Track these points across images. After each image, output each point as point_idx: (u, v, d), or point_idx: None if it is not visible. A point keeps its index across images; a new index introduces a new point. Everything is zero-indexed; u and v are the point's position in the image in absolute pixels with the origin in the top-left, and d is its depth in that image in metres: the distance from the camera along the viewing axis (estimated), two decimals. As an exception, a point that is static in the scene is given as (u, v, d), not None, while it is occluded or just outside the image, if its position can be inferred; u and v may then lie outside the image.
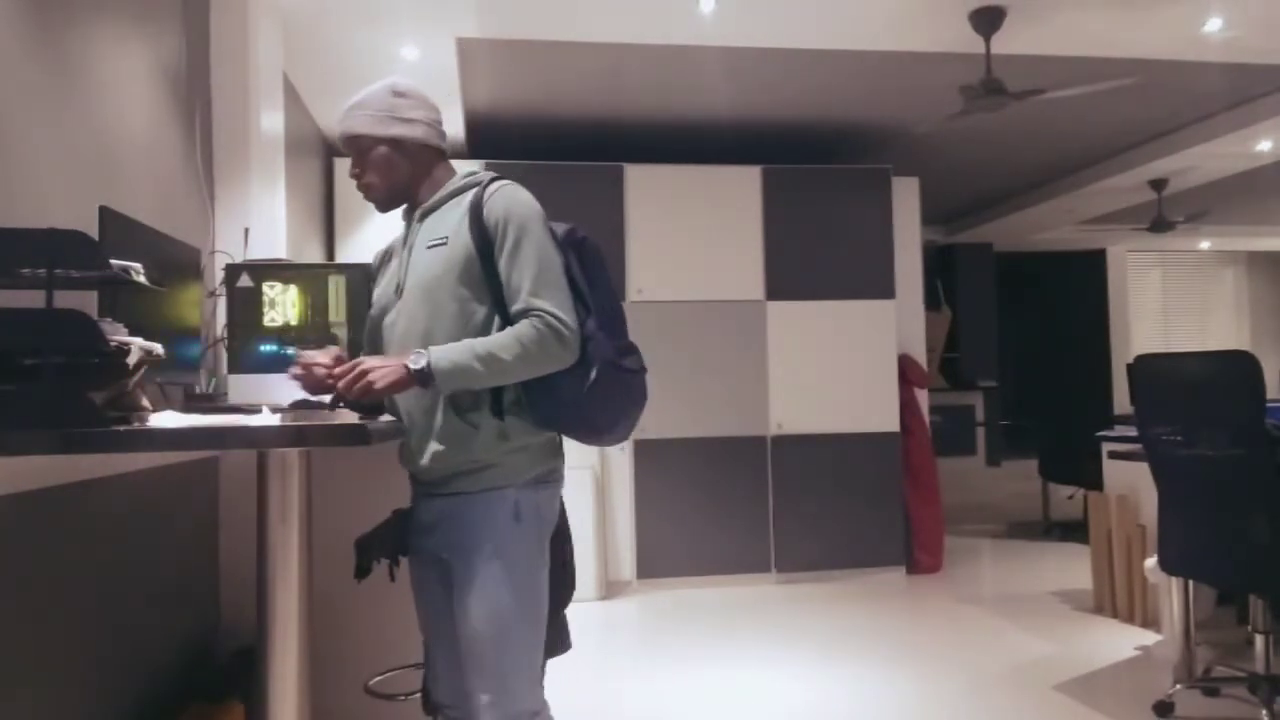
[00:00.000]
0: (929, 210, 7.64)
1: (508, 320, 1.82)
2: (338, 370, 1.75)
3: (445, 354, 1.74)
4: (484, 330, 1.83)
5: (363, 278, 2.85)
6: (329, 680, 2.47)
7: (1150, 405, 3.27)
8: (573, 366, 1.81)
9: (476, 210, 1.86)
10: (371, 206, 1.98)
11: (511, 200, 1.86)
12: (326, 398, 1.87)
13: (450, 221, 1.88)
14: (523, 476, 1.83)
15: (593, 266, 1.92)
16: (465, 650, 1.80)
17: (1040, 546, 6.76)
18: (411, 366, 1.72)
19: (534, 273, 1.81)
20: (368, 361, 1.74)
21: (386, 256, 2.07)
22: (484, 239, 1.83)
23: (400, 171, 1.93)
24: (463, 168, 2.02)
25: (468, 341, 1.77)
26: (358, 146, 1.93)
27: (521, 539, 1.82)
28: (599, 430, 1.89)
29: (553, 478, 1.91)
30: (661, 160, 5.78)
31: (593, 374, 1.81)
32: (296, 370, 1.83)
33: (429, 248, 1.88)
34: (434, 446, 1.82)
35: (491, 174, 1.96)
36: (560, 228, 1.92)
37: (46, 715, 1.86)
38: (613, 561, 5.55)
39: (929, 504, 5.95)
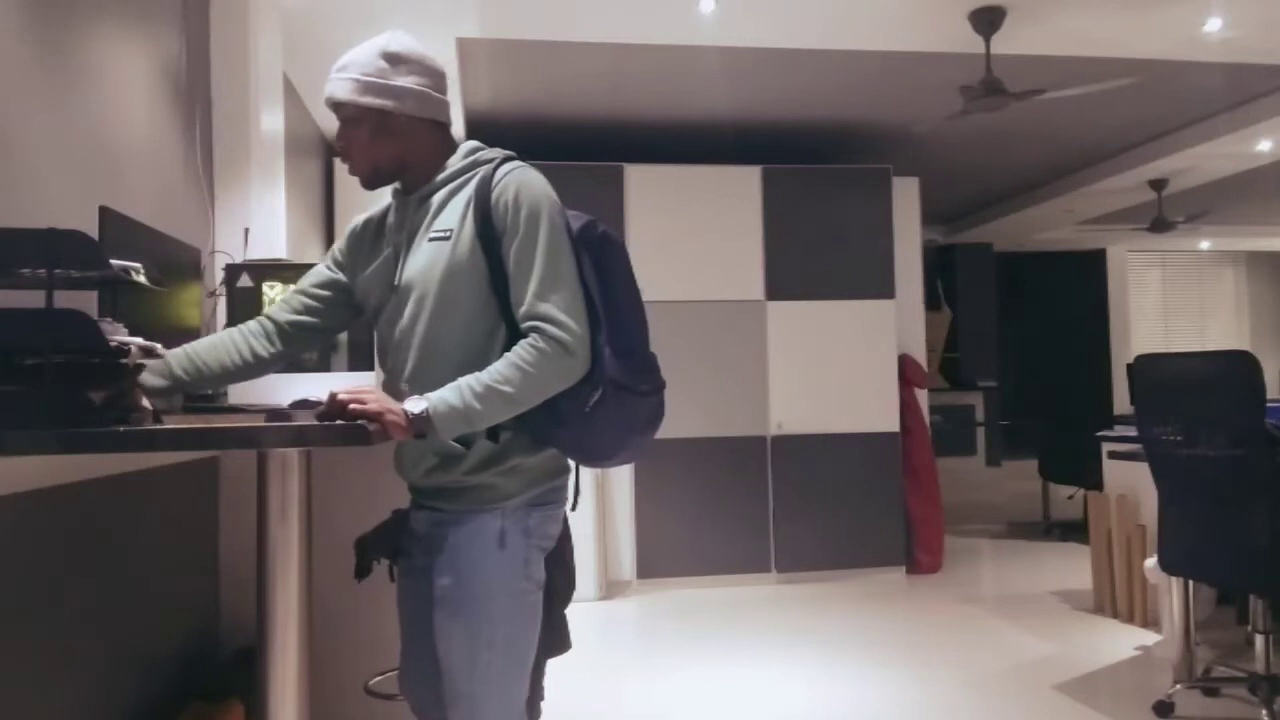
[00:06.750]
0: (929, 210, 7.64)
1: (515, 328, 1.65)
2: (342, 396, 1.52)
3: (443, 398, 1.56)
4: (490, 338, 1.67)
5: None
6: (329, 680, 2.47)
7: (1150, 405, 3.27)
8: (575, 385, 1.63)
9: (484, 197, 1.67)
10: (372, 203, 1.90)
11: (522, 185, 1.67)
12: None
13: (455, 210, 1.69)
14: (511, 500, 1.68)
15: (611, 269, 1.71)
16: (443, 671, 1.70)
17: (1040, 546, 6.76)
18: (413, 411, 1.53)
19: (541, 270, 1.62)
20: (388, 402, 1.54)
21: (369, 234, 1.83)
22: (491, 231, 1.65)
23: (386, 148, 1.72)
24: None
25: (462, 381, 1.58)
26: (341, 115, 1.72)
27: (504, 565, 1.67)
28: (597, 457, 1.75)
29: (549, 499, 1.74)
30: (661, 160, 5.78)
31: (596, 395, 1.63)
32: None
33: (431, 240, 1.69)
34: (426, 461, 1.71)
35: (502, 153, 1.76)
36: (578, 221, 1.73)
37: (46, 715, 1.85)
38: (613, 561, 5.54)
39: (929, 504, 5.95)
